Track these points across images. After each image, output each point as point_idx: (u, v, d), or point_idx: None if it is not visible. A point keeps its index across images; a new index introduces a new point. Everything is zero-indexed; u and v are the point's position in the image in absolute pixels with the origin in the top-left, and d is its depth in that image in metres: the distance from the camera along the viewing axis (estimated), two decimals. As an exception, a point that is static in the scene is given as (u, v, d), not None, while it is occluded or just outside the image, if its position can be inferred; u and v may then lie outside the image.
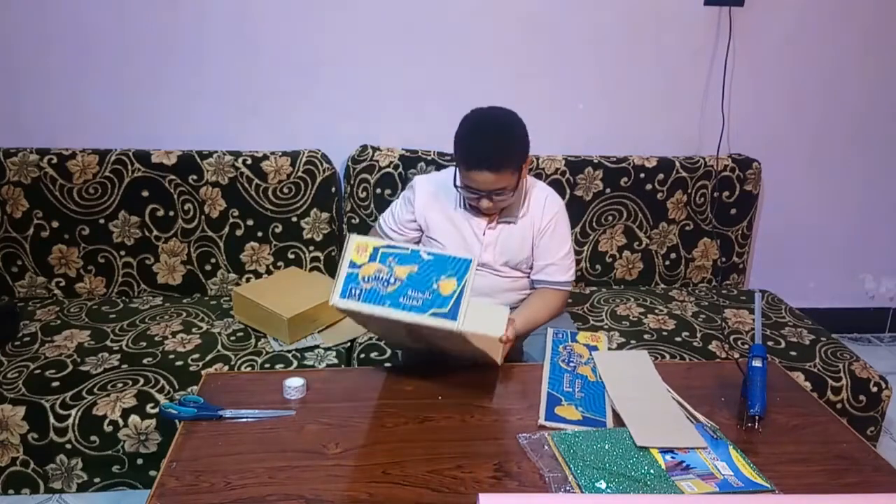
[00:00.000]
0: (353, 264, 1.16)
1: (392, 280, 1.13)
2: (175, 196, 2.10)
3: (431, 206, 1.73)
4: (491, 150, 1.56)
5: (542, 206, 1.72)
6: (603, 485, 1.09)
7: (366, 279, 1.15)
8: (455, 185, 1.65)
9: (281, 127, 2.22)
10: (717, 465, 1.14)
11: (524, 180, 1.71)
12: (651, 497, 1.07)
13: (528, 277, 1.79)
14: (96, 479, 1.69)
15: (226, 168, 2.10)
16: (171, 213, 2.11)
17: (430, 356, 1.43)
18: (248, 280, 2.18)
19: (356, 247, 1.16)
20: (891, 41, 2.36)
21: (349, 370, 1.71)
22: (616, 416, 1.28)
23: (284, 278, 2.07)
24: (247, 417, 1.26)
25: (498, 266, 1.74)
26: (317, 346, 1.84)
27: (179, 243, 2.14)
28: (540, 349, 1.55)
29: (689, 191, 2.29)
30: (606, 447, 1.18)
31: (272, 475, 1.12)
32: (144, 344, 1.84)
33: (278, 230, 2.16)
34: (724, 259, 2.37)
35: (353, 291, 1.16)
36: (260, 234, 2.16)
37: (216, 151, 2.12)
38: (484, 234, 1.71)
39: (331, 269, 2.22)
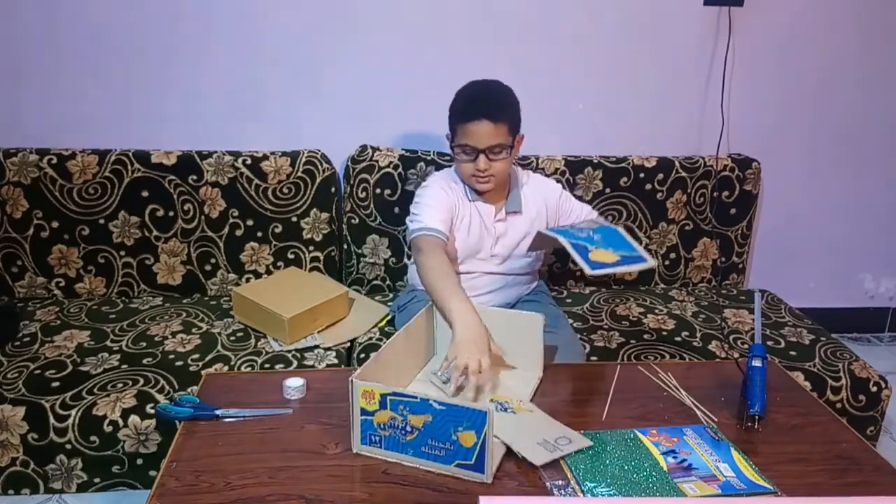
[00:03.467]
0: (364, 411, 1.14)
1: (409, 428, 1.12)
2: (175, 196, 2.10)
3: (455, 199, 1.74)
4: (489, 99, 1.65)
5: (540, 187, 1.81)
6: (604, 488, 1.09)
7: (382, 426, 1.14)
8: (451, 147, 1.70)
9: (281, 127, 2.22)
10: (720, 466, 1.14)
11: (516, 170, 1.80)
12: (653, 500, 1.07)
13: (531, 273, 1.85)
14: (96, 480, 1.68)
15: (225, 168, 2.10)
16: (171, 214, 2.11)
17: None
18: (247, 280, 2.18)
19: (362, 393, 1.13)
20: (890, 41, 2.36)
21: (349, 370, 1.71)
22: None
23: (284, 278, 2.07)
24: (244, 417, 1.26)
25: (508, 260, 1.78)
26: (317, 346, 1.84)
27: (179, 243, 2.14)
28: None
29: (689, 191, 2.29)
30: (608, 449, 1.18)
31: (272, 475, 1.12)
32: (144, 344, 1.84)
33: (278, 230, 2.16)
34: (723, 259, 2.37)
35: (373, 438, 1.16)
36: (260, 234, 2.16)
37: (216, 151, 2.11)
38: (494, 225, 1.75)
39: (330, 269, 2.22)
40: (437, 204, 1.69)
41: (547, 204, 1.80)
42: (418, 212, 1.69)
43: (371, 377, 1.17)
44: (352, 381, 1.13)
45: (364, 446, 1.17)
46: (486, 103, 1.63)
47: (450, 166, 1.91)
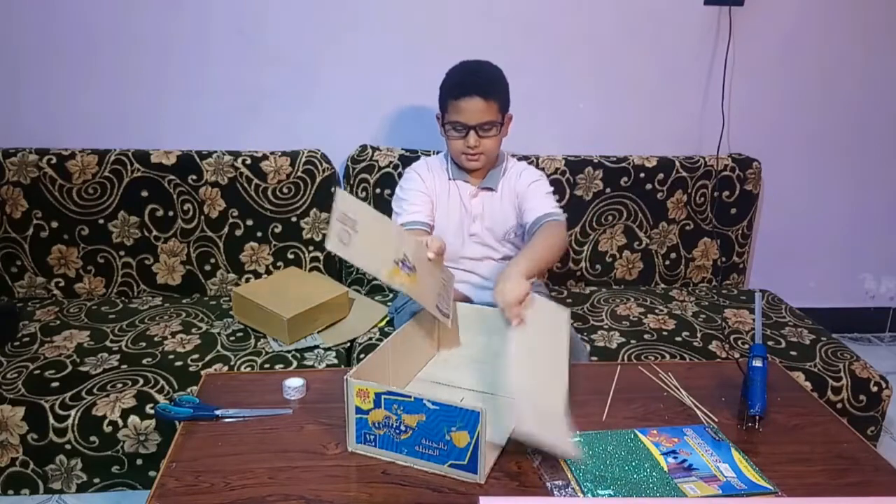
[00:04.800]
0: (359, 410, 1.15)
1: (403, 428, 1.12)
2: (174, 196, 2.10)
3: (432, 181, 1.78)
4: (481, 76, 1.68)
5: (520, 173, 1.78)
6: (604, 488, 1.08)
7: (376, 425, 1.14)
8: (442, 125, 1.72)
9: (281, 127, 2.22)
10: (720, 466, 1.14)
11: (506, 154, 1.79)
12: (654, 500, 1.07)
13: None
14: (96, 480, 1.68)
15: (225, 168, 2.10)
16: (171, 214, 2.11)
17: None
18: (247, 280, 2.18)
19: (357, 391, 1.14)
20: (890, 40, 2.36)
21: (349, 370, 1.71)
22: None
23: (284, 278, 2.07)
24: (244, 417, 1.26)
25: (488, 239, 1.78)
26: (316, 347, 1.84)
27: (179, 243, 2.13)
28: None
29: (689, 190, 2.29)
30: (609, 449, 1.17)
31: (272, 475, 1.12)
32: (144, 344, 1.84)
33: (278, 230, 2.16)
34: (724, 259, 2.37)
35: (368, 437, 1.16)
36: (259, 234, 2.15)
37: (216, 151, 2.11)
38: (471, 202, 1.76)
39: (330, 269, 2.22)
40: (414, 194, 1.73)
41: (518, 186, 1.76)
42: (398, 208, 1.74)
43: (368, 376, 1.17)
44: (346, 379, 1.14)
45: (359, 445, 1.17)
46: (478, 80, 1.66)
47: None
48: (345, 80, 2.20)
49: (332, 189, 2.08)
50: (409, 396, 1.10)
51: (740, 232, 2.36)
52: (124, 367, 1.74)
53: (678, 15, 2.24)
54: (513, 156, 1.86)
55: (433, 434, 1.10)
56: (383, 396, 1.12)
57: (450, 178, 1.78)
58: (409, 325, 1.40)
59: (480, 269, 1.80)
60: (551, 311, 1.40)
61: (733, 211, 2.33)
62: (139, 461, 1.66)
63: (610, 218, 2.28)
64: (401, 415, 1.11)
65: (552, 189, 1.78)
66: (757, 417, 1.27)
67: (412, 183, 1.77)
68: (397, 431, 1.12)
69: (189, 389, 1.64)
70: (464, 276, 1.80)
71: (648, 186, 2.27)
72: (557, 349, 1.34)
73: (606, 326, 2.02)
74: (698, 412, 1.30)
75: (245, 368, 1.74)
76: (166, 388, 1.67)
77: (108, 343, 1.84)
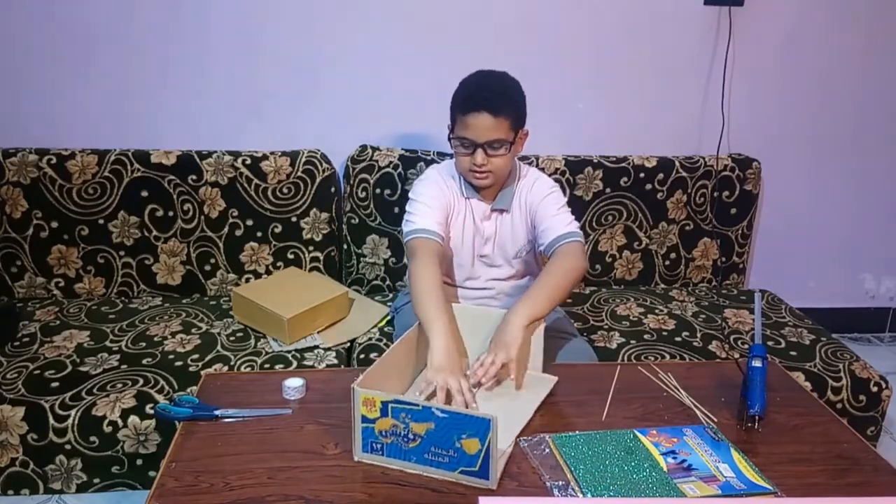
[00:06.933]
0: (365, 419, 1.13)
1: (411, 436, 1.11)
2: (174, 196, 2.10)
3: (449, 196, 1.68)
4: (491, 91, 1.56)
5: (532, 185, 1.68)
6: (604, 488, 1.08)
7: (383, 434, 1.13)
8: (449, 139, 1.61)
9: (281, 127, 2.22)
10: (720, 467, 1.14)
11: (518, 167, 1.70)
12: (653, 500, 1.07)
13: (529, 273, 1.77)
14: (96, 480, 1.68)
15: (225, 168, 2.10)
16: (171, 214, 2.11)
17: None
18: (247, 280, 2.18)
19: (363, 401, 1.12)
20: (890, 40, 2.36)
21: (349, 370, 1.71)
22: None
23: (284, 278, 2.07)
24: (243, 417, 1.26)
25: (498, 260, 1.72)
26: (316, 347, 1.84)
27: (179, 243, 2.13)
28: None
29: (689, 191, 2.29)
30: (608, 449, 1.17)
31: (271, 475, 1.12)
32: (144, 344, 1.84)
33: (278, 230, 2.16)
34: (724, 259, 2.37)
35: (375, 446, 1.14)
36: (259, 234, 2.15)
37: (215, 151, 2.11)
38: (483, 224, 1.69)
39: (330, 269, 2.22)
40: (432, 202, 1.62)
41: (530, 199, 1.66)
42: (413, 210, 1.63)
43: (374, 382, 1.16)
44: (353, 388, 1.12)
45: (365, 454, 1.15)
46: (488, 95, 1.54)
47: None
48: (345, 80, 2.20)
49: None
50: (418, 405, 1.09)
51: (740, 232, 2.36)
52: (124, 367, 1.74)
53: (678, 15, 2.24)
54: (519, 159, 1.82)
55: (442, 441, 1.09)
56: (390, 405, 1.10)
57: (465, 197, 1.67)
58: (414, 331, 1.40)
59: (481, 286, 1.75)
60: (536, 381, 1.40)
61: (733, 211, 2.33)
62: (139, 461, 1.67)
63: (610, 218, 2.28)
64: (409, 423, 1.10)
65: (565, 201, 1.66)
66: (756, 417, 1.27)
67: (432, 188, 1.65)
68: (405, 440, 1.11)
69: (189, 389, 1.64)
70: (462, 292, 1.74)
71: (648, 186, 2.27)
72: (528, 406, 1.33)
73: (606, 326, 2.02)
74: (698, 412, 1.30)
75: (245, 368, 1.74)
76: (166, 388, 1.67)
77: (108, 343, 1.85)
